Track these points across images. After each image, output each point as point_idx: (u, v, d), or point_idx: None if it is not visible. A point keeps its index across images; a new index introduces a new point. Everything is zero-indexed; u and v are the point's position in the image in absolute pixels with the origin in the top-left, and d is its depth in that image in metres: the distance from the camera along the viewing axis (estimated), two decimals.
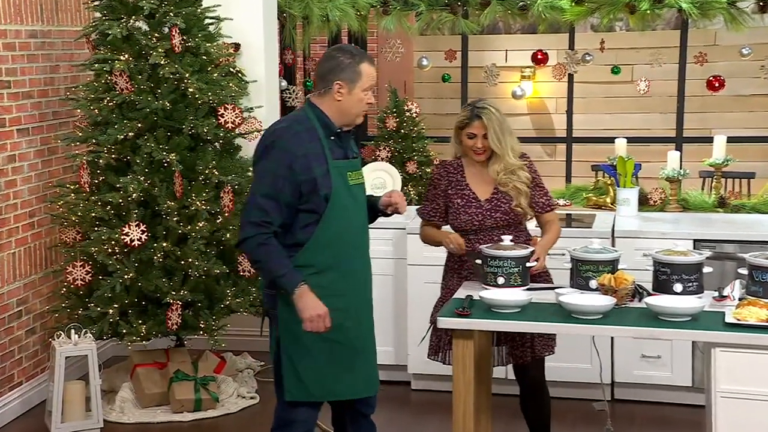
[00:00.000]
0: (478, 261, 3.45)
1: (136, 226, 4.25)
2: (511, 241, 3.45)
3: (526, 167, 3.53)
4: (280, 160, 2.99)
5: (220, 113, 4.49)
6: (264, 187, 3.01)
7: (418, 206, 3.73)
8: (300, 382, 3.09)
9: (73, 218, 4.46)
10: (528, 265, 3.39)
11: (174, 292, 4.31)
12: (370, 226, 3.28)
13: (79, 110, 4.61)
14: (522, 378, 3.61)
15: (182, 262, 4.35)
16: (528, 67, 8.46)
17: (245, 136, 4.79)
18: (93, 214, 4.38)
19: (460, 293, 3.44)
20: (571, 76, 5.65)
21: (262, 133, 3.17)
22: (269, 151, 3.03)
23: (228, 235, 4.46)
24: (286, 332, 3.09)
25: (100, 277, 4.37)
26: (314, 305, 2.99)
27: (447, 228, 3.65)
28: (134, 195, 4.28)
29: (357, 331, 3.14)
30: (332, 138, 3.09)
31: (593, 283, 3.32)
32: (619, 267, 3.37)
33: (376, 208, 3.26)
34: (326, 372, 3.09)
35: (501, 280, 3.36)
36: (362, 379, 3.16)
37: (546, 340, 3.54)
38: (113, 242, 4.30)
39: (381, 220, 3.91)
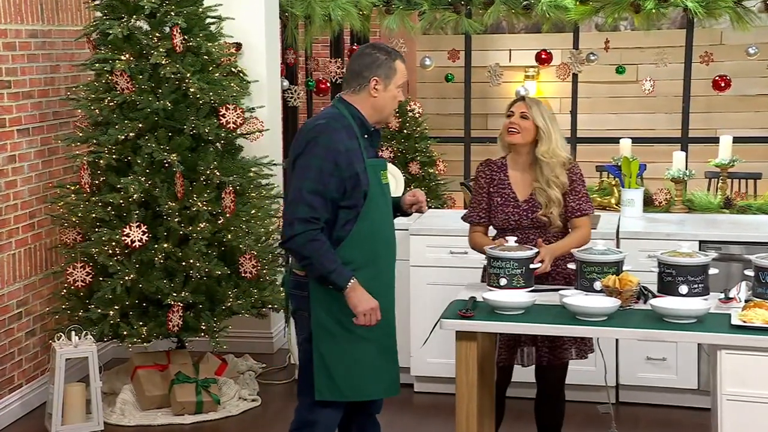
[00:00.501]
0: (484, 262, 3.42)
1: (136, 227, 4.23)
2: (516, 242, 3.42)
3: (568, 171, 3.48)
4: (325, 156, 2.98)
5: (221, 113, 4.46)
6: (310, 183, 2.98)
7: (465, 212, 3.69)
8: (331, 382, 3.08)
9: (74, 219, 4.43)
10: (532, 266, 3.35)
11: (175, 294, 4.28)
12: None
13: (79, 110, 4.59)
14: (543, 379, 3.57)
15: (183, 264, 4.32)
16: (532, 66, 8.44)
17: (247, 136, 4.76)
18: (93, 215, 4.36)
19: (463, 294, 3.40)
20: (575, 76, 5.63)
21: (302, 128, 3.15)
22: (312, 146, 3.00)
23: (229, 236, 4.44)
24: (319, 331, 3.08)
25: (101, 279, 4.35)
26: (367, 299, 3.00)
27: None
28: (135, 196, 4.26)
29: (388, 329, 3.16)
30: (366, 136, 3.10)
31: (598, 285, 3.28)
32: (624, 268, 3.34)
33: (397, 208, 3.27)
34: (358, 371, 3.09)
35: (503, 282, 3.32)
36: (390, 379, 3.18)
37: (581, 344, 3.50)
38: (114, 243, 4.28)
39: None
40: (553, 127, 3.47)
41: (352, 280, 2.99)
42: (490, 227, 3.63)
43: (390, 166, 5.12)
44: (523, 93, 7.91)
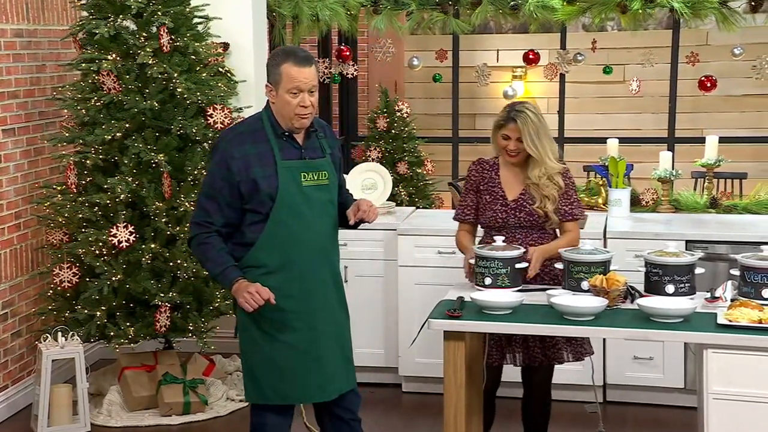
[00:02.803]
0: (472, 261, 3.42)
1: (124, 227, 4.22)
2: (504, 242, 3.42)
3: (562, 175, 3.50)
4: (219, 161, 3.06)
5: (208, 113, 4.45)
6: (206, 188, 3.10)
7: (455, 210, 3.66)
8: (256, 383, 3.09)
9: (60, 219, 4.41)
10: (518, 266, 3.36)
11: (162, 294, 4.27)
12: (360, 228, 3.25)
13: (65, 110, 4.56)
14: (529, 380, 3.58)
15: (171, 264, 4.31)
16: (519, 66, 8.46)
17: None
18: (80, 216, 4.34)
19: (451, 294, 3.41)
20: (562, 76, 5.64)
21: None
22: (213, 152, 3.13)
23: None
24: (242, 331, 3.13)
25: (88, 279, 4.33)
26: (244, 287, 2.99)
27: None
28: (122, 196, 4.25)
29: (310, 334, 3.08)
30: (284, 138, 3.07)
31: (585, 285, 3.29)
32: (611, 268, 3.35)
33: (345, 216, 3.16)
34: (278, 374, 3.07)
35: (488, 281, 3.33)
36: (315, 384, 3.09)
37: (577, 346, 3.50)
38: (101, 244, 4.26)
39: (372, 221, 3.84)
40: (544, 148, 3.44)
41: (237, 281, 3.01)
42: (478, 227, 3.64)
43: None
44: (511, 93, 7.92)
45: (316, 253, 3.08)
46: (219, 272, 3.04)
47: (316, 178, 3.08)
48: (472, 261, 3.42)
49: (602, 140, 5.28)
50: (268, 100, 3.12)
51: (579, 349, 3.50)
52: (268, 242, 3.02)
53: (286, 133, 3.07)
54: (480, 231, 3.65)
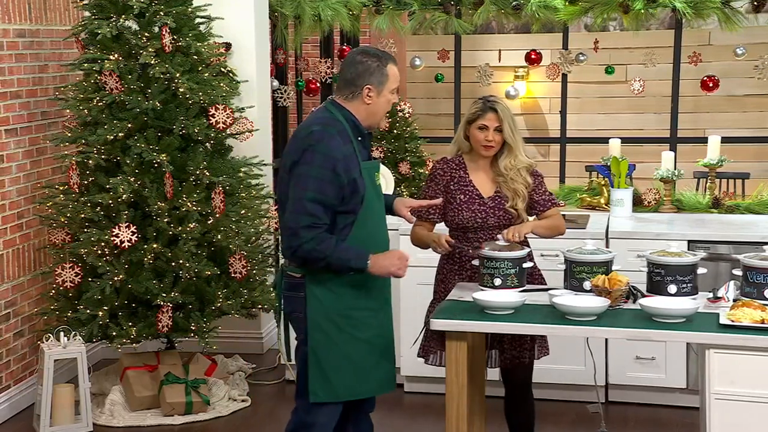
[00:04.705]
0: (475, 262, 3.42)
1: (126, 227, 4.22)
2: (508, 241, 3.42)
3: (531, 173, 3.49)
4: (323, 164, 2.99)
5: (211, 113, 4.46)
6: (310, 192, 2.99)
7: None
8: (327, 383, 3.10)
9: (63, 219, 4.42)
10: (525, 266, 3.36)
11: (164, 294, 4.27)
12: None
13: (68, 110, 4.57)
14: (509, 381, 3.57)
15: (173, 264, 4.31)
16: (521, 66, 8.46)
17: (236, 136, 4.75)
18: (82, 215, 4.34)
19: (454, 294, 3.40)
20: (564, 76, 5.64)
21: (296, 134, 3.14)
22: (309, 154, 3.01)
23: (219, 237, 4.43)
24: (314, 332, 3.10)
25: (90, 279, 4.34)
26: (385, 260, 3.05)
27: (439, 227, 3.60)
28: (124, 196, 4.25)
29: (383, 329, 3.20)
30: (359, 139, 3.12)
31: (587, 285, 3.29)
32: (613, 268, 3.35)
33: (387, 208, 3.32)
34: (352, 371, 3.12)
35: (498, 282, 3.33)
36: (384, 378, 3.21)
37: (543, 342, 3.51)
38: (103, 244, 4.27)
39: None
40: (517, 138, 3.45)
41: (370, 259, 3.04)
42: (438, 225, 3.59)
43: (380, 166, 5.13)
44: (514, 93, 7.91)
45: (384, 249, 3.18)
46: (350, 258, 3.02)
47: (379, 177, 3.20)
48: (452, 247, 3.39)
49: (604, 140, 5.27)
50: (333, 100, 3.13)
51: (543, 345, 3.51)
52: (355, 242, 3.07)
53: (364, 133, 3.13)
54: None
